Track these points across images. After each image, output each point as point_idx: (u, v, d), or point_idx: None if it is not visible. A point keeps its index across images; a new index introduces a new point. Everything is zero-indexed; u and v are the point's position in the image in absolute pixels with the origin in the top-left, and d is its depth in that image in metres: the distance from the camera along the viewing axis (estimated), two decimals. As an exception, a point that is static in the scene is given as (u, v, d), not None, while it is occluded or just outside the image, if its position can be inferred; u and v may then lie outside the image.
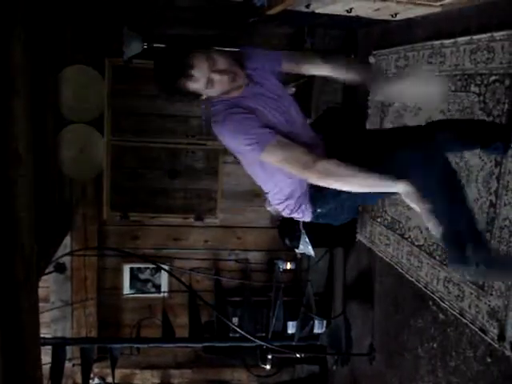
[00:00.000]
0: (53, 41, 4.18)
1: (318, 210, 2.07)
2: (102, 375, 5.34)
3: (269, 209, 2.12)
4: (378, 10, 3.26)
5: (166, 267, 4.89)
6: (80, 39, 4.51)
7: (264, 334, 4.65)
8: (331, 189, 1.89)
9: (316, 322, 4.57)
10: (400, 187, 1.78)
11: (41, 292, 3.39)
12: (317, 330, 4.60)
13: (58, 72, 4.42)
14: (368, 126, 4.11)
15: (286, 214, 2.13)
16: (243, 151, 1.94)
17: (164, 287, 5.29)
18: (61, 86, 4.46)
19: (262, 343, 4.23)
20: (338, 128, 2.27)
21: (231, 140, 1.94)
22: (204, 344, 4.62)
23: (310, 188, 2.01)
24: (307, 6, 3.31)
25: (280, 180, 2.02)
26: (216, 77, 1.89)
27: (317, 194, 2.01)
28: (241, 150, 1.95)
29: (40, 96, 3.79)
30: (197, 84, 1.89)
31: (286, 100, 2.08)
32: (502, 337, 2.49)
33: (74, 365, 5.01)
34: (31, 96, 2.76)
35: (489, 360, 2.62)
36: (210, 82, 1.89)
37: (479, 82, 2.71)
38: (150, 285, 5.30)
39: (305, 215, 2.10)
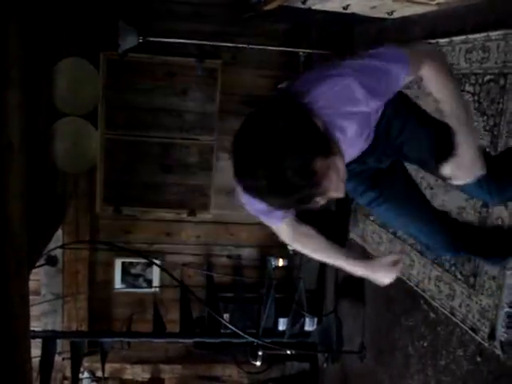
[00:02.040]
0: (48, 33, 4.16)
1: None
2: (91, 369, 5.32)
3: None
4: (374, 7, 3.26)
5: (158, 262, 4.88)
6: (75, 32, 4.48)
7: (255, 331, 4.65)
8: None
9: (307, 319, 4.58)
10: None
11: (32, 285, 3.38)
12: (308, 328, 4.61)
13: (52, 64, 4.40)
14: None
15: None
16: None
17: (155, 282, 5.28)
18: (55, 78, 4.43)
19: (253, 339, 4.23)
20: None
21: None
22: (195, 339, 4.62)
23: None
24: (304, 2, 3.30)
25: None
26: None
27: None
28: None
29: (34, 88, 3.76)
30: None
31: None
32: (492, 336, 2.49)
33: (63, 358, 4.99)
34: (26, 88, 2.75)
35: (479, 359, 2.62)
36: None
37: (474, 82, 2.71)
38: (141, 279, 5.29)
39: None
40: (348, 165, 1.64)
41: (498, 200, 2.14)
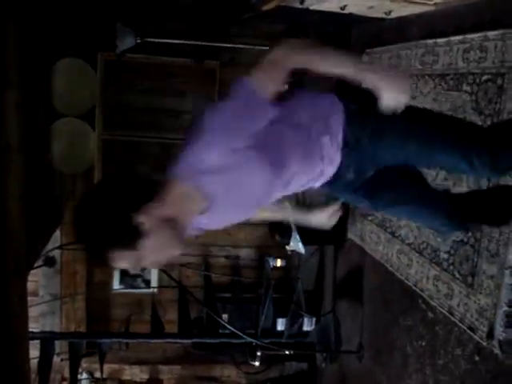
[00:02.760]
0: (46, 34, 4.16)
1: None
2: (90, 370, 5.32)
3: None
4: (371, 7, 3.26)
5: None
6: (73, 33, 4.49)
7: (253, 331, 4.65)
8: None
9: (305, 319, 4.58)
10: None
11: (30, 286, 3.38)
12: (306, 328, 4.61)
13: (50, 65, 4.40)
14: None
15: None
16: None
17: (154, 282, 5.28)
18: (53, 79, 4.43)
19: (252, 340, 4.23)
20: None
21: None
22: (193, 340, 4.62)
23: None
24: (301, 3, 3.30)
25: None
26: None
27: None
28: None
29: (32, 89, 3.77)
30: None
31: None
32: (490, 335, 2.50)
33: (62, 359, 4.98)
34: (24, 89, 2.75)
35: (477, 358, 2.63)
36: None
37: (471, 81, 2.71)
38: (139, 280, 5.29)
39: None
40: (332, 183, 1.81)
41: (494, 173, 2.11)
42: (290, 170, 1.69)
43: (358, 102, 1.80)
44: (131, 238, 1.48)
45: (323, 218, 2.13)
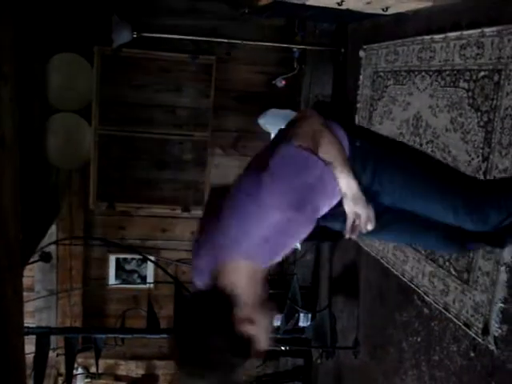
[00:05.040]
0: (41, 28, 4.14)
1: None
2: (86, 365, 5.33)
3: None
4: (369, 3, 3.25)
5: (152, 258, 4.87)
6: (69, 27, 4.46)
7: (249, 327, 4.65)
8: None
9: (301, 315, 4.58)
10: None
11: (26, 281, 3.38)
12: (302, 324, 4.61)
13: (46, 60, 4.38)
14: (357, 121, 4.12)
15: None
16: None
17: (150, 278, 5.27)
18: (49, 73, 4.41)
19: (247, 335, 4.23)
20: None
21: None
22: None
23: None
24: (298, -3, 3.29)
25: None
26: None
27: None
28: None
29: (27, 83, 3.75)
30: None
31: None
32: (485, 331, 2.50)
33: (58, 355, 4.99)
34: (18, 83, 2.73)
35: (472, 354, 2.63)
36: None
37: (468, 78, 2.71)
38: (135, 275, 5.28)
39: None
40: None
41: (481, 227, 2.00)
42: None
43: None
44: (248, 348, 1.49)
45: None
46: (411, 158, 2.01)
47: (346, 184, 1.73)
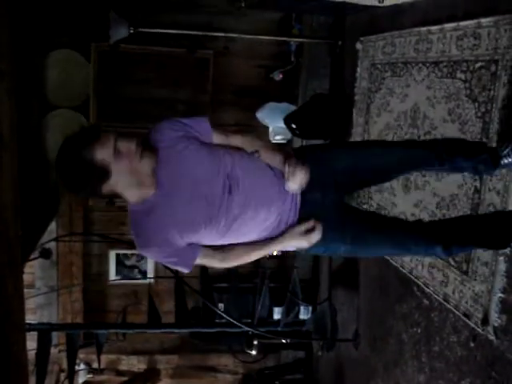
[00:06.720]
0: (39, 25, 4.13)
1: None
2: (87, 361, 5.34)
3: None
4: (365, -5, 3.26)
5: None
6: (66, 23, 4.46)
7: (250, 320, 4.67)
8: None
9: (302, 307, 4.60)
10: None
11: (26, 278, 3.38)
12: (302, 316, 4.63)
13: (43, 56, 4.38)
14: (355, 113, 4.12)
15: None
16: None
17: (150, 273, 5.28)
18: (46, 70, 4.41)
19: (248, 329, 4.25)
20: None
21: None
22: (190, 330, 4.63)
23: None
24: (295, -9, 3.29)
25: None
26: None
27: None
28: None
29: (25, 80, 3.75)
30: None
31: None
32: (485, 321, 2.51)
33: (59, 351, 5.00)
34: (16, 79, 2.73)
35: (472, 345, 2.64)
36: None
37: (465, 69, 2.71)
38: (136, 271, 5.29)
39: None
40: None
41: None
42: None
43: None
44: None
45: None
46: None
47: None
